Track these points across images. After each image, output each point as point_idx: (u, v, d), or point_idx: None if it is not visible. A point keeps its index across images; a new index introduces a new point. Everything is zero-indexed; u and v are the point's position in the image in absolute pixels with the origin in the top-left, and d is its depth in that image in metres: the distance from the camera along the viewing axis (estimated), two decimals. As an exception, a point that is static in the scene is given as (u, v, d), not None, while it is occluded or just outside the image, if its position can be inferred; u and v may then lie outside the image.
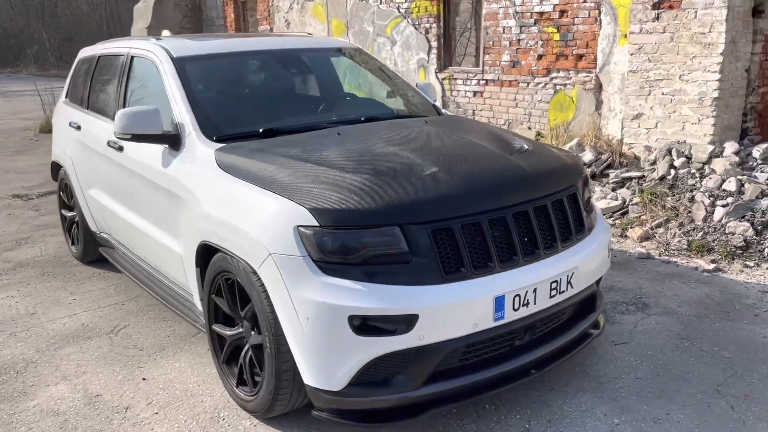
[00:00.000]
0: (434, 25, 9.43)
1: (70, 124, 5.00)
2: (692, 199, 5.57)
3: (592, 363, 3.45)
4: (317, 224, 2.59)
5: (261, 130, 3.49)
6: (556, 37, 7.85)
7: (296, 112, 3.94)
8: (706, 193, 5.51)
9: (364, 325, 2.54)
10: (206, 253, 3.19)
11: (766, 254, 4.86)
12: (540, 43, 8.03)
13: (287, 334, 2.67)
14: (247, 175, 2.95)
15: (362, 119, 3.80)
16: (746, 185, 5.42)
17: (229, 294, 3.08)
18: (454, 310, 2.59)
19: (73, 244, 5.47)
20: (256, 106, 3.86)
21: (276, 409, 2.90)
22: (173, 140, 3.51)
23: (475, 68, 9.03)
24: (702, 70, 6.06)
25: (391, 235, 2.59)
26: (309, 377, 2.66)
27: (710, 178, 5.66)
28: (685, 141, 6.25)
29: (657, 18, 6.33)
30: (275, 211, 2.70)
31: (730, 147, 6.01)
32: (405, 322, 2.54)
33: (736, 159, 5.83)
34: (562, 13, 7.75)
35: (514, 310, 2.74)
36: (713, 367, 3.40)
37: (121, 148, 4.04)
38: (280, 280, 2.62)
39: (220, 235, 2.97)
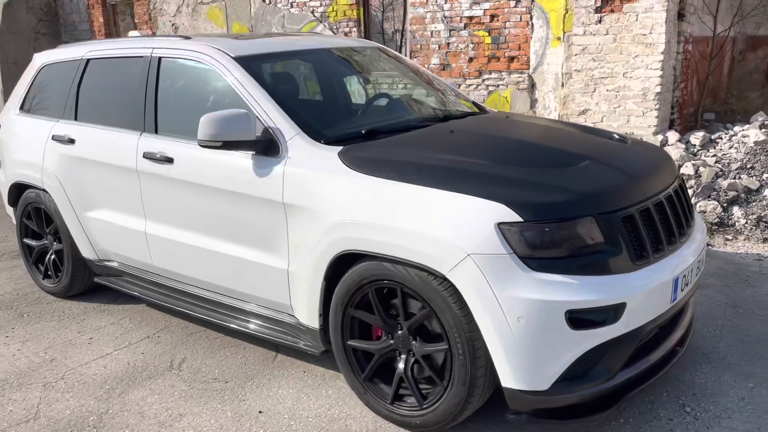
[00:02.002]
0: (354, 29, 9.39)
1: (53, 138, 4.32)
2: (658, 185, 6.11)
3: (682, 337, 3.69)
4: (521, 219, 2.52)
5: (364, 131, 3.30)
6: (488, 40, 8.20)
7: (373, 111, 3.76)
8: (669, 178, 6.08)
9: (577, 319, 2.52)
10: (340, 264, 2.96)
11: (738, 227, 5.49)
12: (471, 46, 8.33)
13: (488, 338, 2.56)
14: (404, 176, 2.77)
15: (441, 117, 3.72)
16: (701, 169, 6.07)
17: (381, 304, 2.88)
18: (650, 294, 2.66)
19: (46, 277, 4.72)
20: (336, 107, 3.64)
21: (460, 418, 2.77)
22: (266, 146, 3.20)
23: (400, 71, 9.13)
24: (644, 68, 6.69)
25: (588, 226, 2.59)
26: (513, 380, 2.57)
27: (667, 165, 6.25)
28: (633, 133, 6.84)
29: (599, 21, 6.87)
30: (470, 209, 2.58)
31: (673, 136, 6.69)
32: (614, 312, 2.55)
33: (683, 146, 6.50)
34: (493, 17, 8.11)
35: (681, 290, 2.87)
36: (779, 328, 3.80)
37: (169, 160, 3.58)
38: (482, 281, 2.51)
39: (377, 241, 2.76)
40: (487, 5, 8.09)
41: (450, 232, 2.58)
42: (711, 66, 8.09)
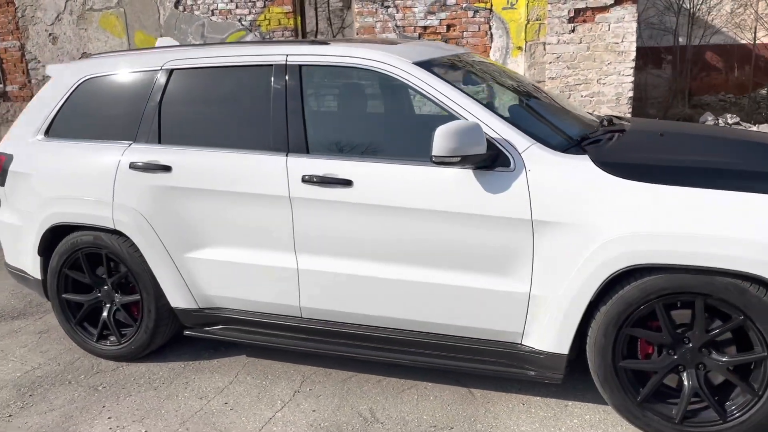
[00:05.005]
0: (291, 38, 8.89)
1: (132, 167, 3.51)
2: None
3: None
4: None
5: (578, 138, 3.13)
6: (444, 49, 8.21)
7: (539, 117, 3.55)
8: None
9: None
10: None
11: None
12: (426, 55, 8.28)
13: (819, 340, 2.55)
14: (699, 182, 2.65)
15: (601, 122, 3.65)
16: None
17: (669, 320, 2.74)
18: None
19: (101, 339, 3.83)
20: (522, 113, 3.39)
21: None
22: (493, 159, 2.90)
23: (346, 83, 8.83)
24: (617, 74, 7.14)
25: None
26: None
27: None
28: (609, 135, 7.27)
29: (573, 30, 7.21)
30: None
31: (644, 137, 7.23)
32: None
33: (659, 146, 7.05)
34: (450, 27, 8.15)
35: None
36: None
37: (346, 183, 3.09)
38: None
39: (677, 252, 2.60)
40: (443, 15, 8.12)
41: None
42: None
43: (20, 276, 4.10)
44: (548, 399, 3.20)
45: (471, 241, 2.95)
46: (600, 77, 7.22)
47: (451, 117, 3.00)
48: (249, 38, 9.07)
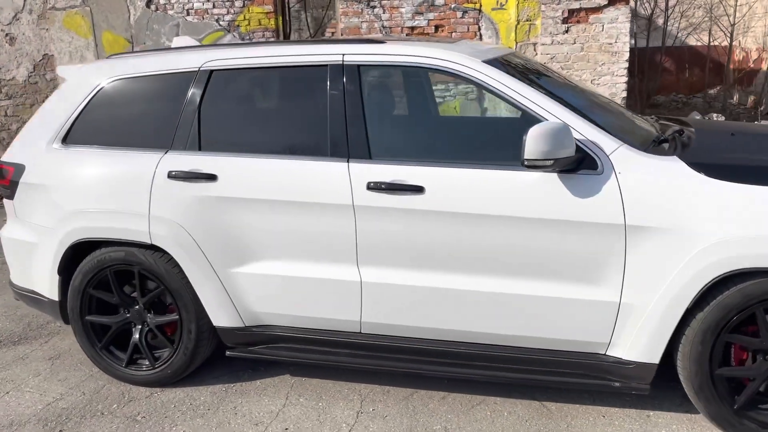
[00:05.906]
0: (272, 39, 8.59)
1: (171, 177, 3.22)
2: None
3: None
4: None
5: (659, 139, 3.05)
6: (433, 50, 8.09)
7: (612, 118, 3.43)
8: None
9: None
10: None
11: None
12: (414, 56, 8.14)
13: None
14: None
15: (657, 121, 3.58)
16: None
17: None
18: None
19: (131, 364, 3.52)
20: (592, 114, 3.26)
21: None
22: (579, 162, 2.77)
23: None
24: (611, 75, 7.17)
25: None
26: None
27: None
28: (605, 135, 7.29)
29: (567, 31, 7.20)
30: None
31: (638, 137, 7.29)
32: None
33: (654, 145, 7.11)
34: (438, 27, 8.03)
35: None
36: None
37: (417, 189, 2.90)
38: None
39: None
40: (431, 15, 7.99)
41: None
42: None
43: (30, 298, 3.72)
44: (628, 410, 3.09)
45: (557, 249, 2.82)
46: (594, 78, 7.23)
47: (533, 119, 2.85)
48: (227, 39, 8.73)
